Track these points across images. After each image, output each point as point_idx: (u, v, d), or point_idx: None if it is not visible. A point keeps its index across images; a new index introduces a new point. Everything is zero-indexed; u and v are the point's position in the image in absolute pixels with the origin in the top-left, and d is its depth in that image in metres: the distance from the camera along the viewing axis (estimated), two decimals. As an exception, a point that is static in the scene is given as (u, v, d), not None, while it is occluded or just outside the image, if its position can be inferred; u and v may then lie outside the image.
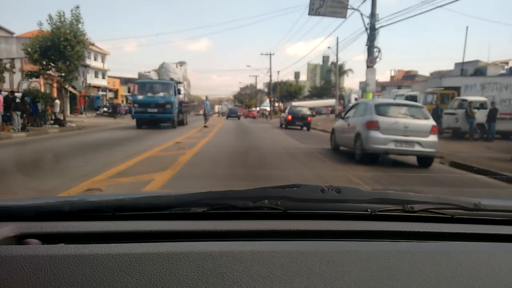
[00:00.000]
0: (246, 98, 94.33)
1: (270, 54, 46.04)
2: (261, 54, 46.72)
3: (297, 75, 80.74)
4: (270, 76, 46.81)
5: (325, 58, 64.56)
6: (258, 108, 65.62)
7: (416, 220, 0.99)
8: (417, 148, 7.94)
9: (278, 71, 54.81)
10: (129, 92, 78.43)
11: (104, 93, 52.47)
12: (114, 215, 0.95)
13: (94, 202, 1.05)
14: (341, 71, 66.40)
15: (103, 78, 53.85)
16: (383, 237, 0.90)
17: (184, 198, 1.01)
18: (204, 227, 0.89)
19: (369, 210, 0.97)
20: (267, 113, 58.22)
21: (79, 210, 0.99)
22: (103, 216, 0.96)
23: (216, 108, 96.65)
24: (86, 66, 47.89)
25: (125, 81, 76.27)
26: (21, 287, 0.64)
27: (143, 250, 0.73)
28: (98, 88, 51.20)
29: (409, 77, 59.82)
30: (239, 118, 40.02)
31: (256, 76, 63.34)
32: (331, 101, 61.06)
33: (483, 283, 0.70)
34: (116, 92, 61.42)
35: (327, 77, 63.97)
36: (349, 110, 10.50)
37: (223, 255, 0.72)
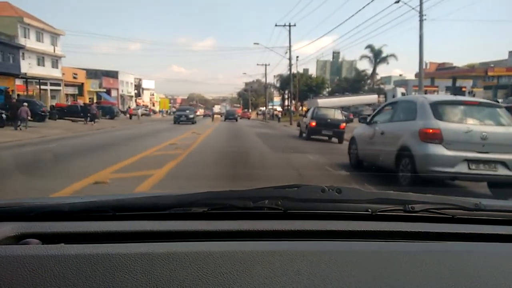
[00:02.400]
0: (252, 96, 76.82)
1: (290, 26, 28.76)
2: (276, 25, 29.06)
3: (306, 72, 62.05)
4: (290, 57, 29.65)
5: (336, 54, 47.85)
6: (265, 109, 48.28)
7: (417, 220, 1.05)
8: (503, 171, 5.15)
9: (297, 57, 37.25)
10: (100, 88, 57.32)
11: (46, 87, 33.71)
12: (114, 215, 1.01)
13: (94, 202, 1.11)
14: (379, 57, 48.16)
15: (55, 67, 34.68)
16: (383, 237, 0.94)
17: (184, 198, 1.07)
18: (204, 227, 0.94)
19: (369, 210, 1.03)
20: (280, 115, 49.19)
21: (79, 210, 1.04)
22: (103, 216, 1.01)
23: (216, 108, 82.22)
24: (18, 47, 29.15)
25: (100, 73, 55.90)
26: (21, 287, 0.69)
27: (143, 250, 0.78)
28: (42, 80, 38.15)
29: (444, 70, 53.92)
30: (236, 120, 42.05)
31: (265, 64, 46.08)
32: (372, 97, 49.44)
33: (483, 283, 0.74)
34: (80, 87, 42.26)
35: (338, 74, 46.20)
36: (379, 110, 7.80)
37: (223, 255, 0.77)
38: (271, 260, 0.76)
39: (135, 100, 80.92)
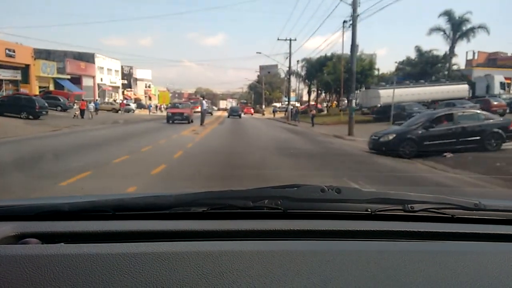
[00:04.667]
0: (266, 89, 58.55)
1: None
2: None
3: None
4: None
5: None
6: (280, 105, 31.99)
7: (416, 220, 1.10)
8: None
9: (345, 21, 18.27)
10: (63, 73, 36.44)
11: None
12: (114, 214, 1.07)
13: (94, 201, 1.17)
14: (460, 30, 28.09)
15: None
16: (383, 237, 1.01)
17: (184, 198, 1.12)
18: (204, 226, 1.00)
19: (369, 210, 1.08)
20: (313, 113, 30.77)
21: (79, 209, 1.10)
22: (103, 216, 1.07)
23: (222, 104, 65.24)
24: None
25: (71, 56, 36.53)
26: (21, 287, 0.70)
27: (143, 250, 0.83)
28: None
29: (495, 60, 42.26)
30: (240, 117, 43.15)
31: (290, 39, 27.83)
32: (461, 88, 30.45)
33: (483, 283, 0.79)
34: (24, 70, 20.61)
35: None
36: None
37: (223, 254, 0.82)
38: (271, 260, 0.80)
39: (123, 92, 63.54)
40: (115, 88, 64.48)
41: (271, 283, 0.71)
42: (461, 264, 0.81)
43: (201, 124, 23.91)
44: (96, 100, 42.44)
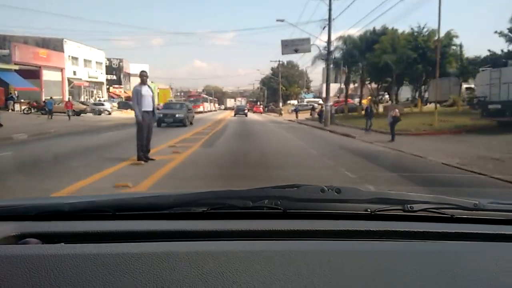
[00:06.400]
0: (283, 84, 43.74)
1: None
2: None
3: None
4: None
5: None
6: (297, 103, 15.49)
7: (416, 220, 1.16)
8: None
9: None
10: (7, 63, 17.89)
11: None
12: (114, 214, 1.12)
13: (94, 201, 1.22)
14: None
15: None
16: (383, 237, 1.06)
17: (184, 198, 1.16)
18: (204, 227, 1.05)
19: (369, 210, 1.13)
20: (396, 114, 14.78)
21: (79, 209, 1.15)
22: (103, 216, 1.12)
23: (229, 103, 78.74)
24: None
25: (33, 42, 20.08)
26: (21, 287, 0.73)
27: (143, 250, 0.87)
28: None
29: None
30: (246, 115, 48.14)
31: None
32: None
33: (483, 283, 0.83)
34: None
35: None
36: None
37: (223, 255, 0.85)
38: (271, 260, 0.83)
39: (108, 89, 50.80)
40: (98, 84, 53.47)
41: (271, 283, 0.73)
42: (460, 264, 0.85)
43: (138, 159, 8.00)
44: (50, 99, 30.64)
